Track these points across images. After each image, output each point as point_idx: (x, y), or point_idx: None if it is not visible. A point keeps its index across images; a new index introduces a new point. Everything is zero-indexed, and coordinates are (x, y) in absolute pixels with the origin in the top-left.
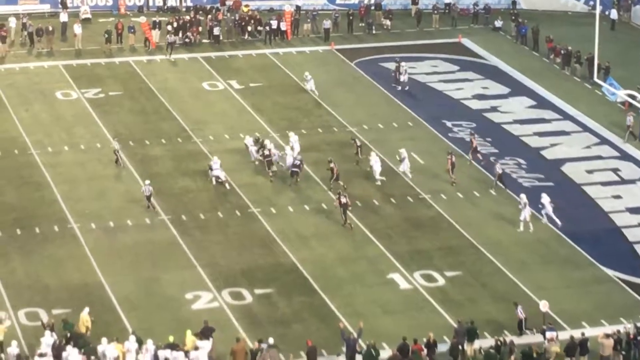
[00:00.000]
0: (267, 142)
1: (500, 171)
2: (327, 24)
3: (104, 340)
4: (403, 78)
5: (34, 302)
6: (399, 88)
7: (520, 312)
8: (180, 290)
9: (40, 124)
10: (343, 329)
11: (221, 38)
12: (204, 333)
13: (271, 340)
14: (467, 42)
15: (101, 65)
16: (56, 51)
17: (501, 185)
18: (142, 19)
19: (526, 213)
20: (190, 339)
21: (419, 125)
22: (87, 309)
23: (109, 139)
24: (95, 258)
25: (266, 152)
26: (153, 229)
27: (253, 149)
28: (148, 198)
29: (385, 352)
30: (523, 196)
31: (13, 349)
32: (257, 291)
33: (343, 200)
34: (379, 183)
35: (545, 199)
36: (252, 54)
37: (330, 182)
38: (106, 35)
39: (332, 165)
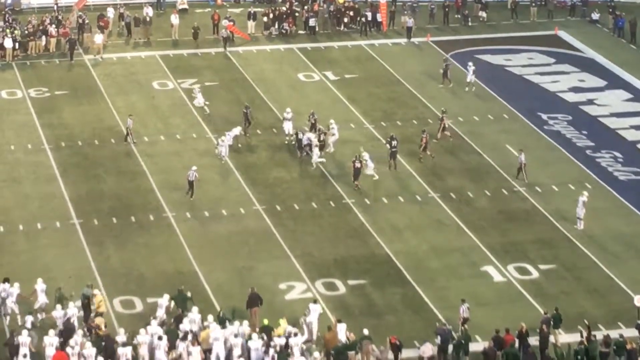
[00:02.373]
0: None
1: (523, 161)
2: (410, 22)
3: (195, 309)
4: (470, 78)
5: (129, 290)
6: (451, 85)
7: (464, 311)
8: (274, 280)
9: (136, 113)
10: (439, 326)
11: (317, 29)
12: (251, 301)
13: (365, 332)
14: (563, 34)
15: (197, 56)
16: (153, 41)
17: (524, 176)
18: (225, 22)
19: (582, 211)
20: (283, 327)
21: (514, 118)
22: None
23: (205, 129)
24: (190, 247)
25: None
26: (247, 219)
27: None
28: (191, 184)
29: (479, 345)
30: (585, 193)
31: (121, 337)
32: (351, 282)
33: (357, 165)
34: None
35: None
36: (347, 45)
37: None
38: (192, 31)
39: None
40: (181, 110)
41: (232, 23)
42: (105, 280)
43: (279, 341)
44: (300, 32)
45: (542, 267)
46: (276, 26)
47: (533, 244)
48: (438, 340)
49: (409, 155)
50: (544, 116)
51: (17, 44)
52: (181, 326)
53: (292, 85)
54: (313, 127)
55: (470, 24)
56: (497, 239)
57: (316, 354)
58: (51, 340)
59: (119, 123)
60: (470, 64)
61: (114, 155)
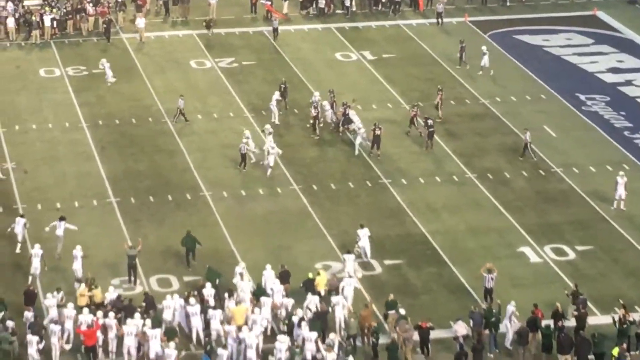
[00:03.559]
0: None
1: (528, 140)
2: (440, 7)
3: (238, 277)
4: (484, 62)
5: (165, 268)
6: (467, 67)
7: (488, 280)
8: (310, 259)
9: (174, 92)
10: (472, 309)
11: (354, 9)
12: (282, 278)
13: (402, 311)
14: (602, 15)
15: (235, 35)
16: (191, 20)
17: (530, 154)
18: (262, 1)
19: (621, 191)
20: (323, 280)
21: (552, 98)
22: (82, 284)
23: (242, 108)
24: (227, 226)
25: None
26: (284, 198)
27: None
28: (243, 157)
29: (513, 326)
30: (621, 173)
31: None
32: (387, 262)
33: (377, 132)
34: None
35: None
36: (385, 25)
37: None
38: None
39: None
40: (218, 90)
41: (269, 3)
42: (142, 259)
43: (314, 300)
44: (338, 11)
45: (579, 248)
46: (314, 6)
47: (570, 225)
48: (471, 324)
49: (446, 136)
50: (582, 97)
51: (55, 23)
52: (205, 291)
53: (329, 64)
54: (332, 106)
55: (508, 4)
56: (534, 220)
57: (332, 335)
58: (85, 318)
59: (157, 102)
60: (484, 48)
61: (151, 133)
